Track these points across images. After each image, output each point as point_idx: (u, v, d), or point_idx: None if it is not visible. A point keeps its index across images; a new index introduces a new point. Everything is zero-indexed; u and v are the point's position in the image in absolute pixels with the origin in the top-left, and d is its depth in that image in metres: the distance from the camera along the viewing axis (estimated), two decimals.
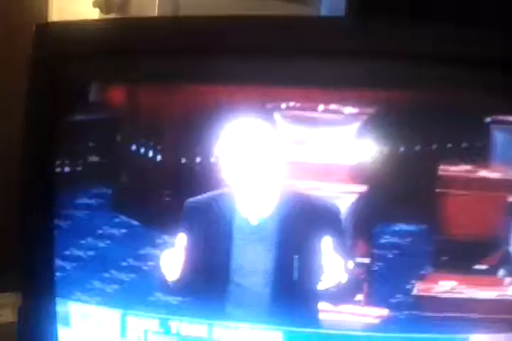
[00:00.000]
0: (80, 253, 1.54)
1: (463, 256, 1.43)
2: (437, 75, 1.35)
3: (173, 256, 1.41)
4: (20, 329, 1.60)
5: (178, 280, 1.43)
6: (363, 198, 1.42)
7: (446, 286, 1.44)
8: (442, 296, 1.44)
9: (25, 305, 1.56)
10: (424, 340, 1.44)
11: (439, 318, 1.44)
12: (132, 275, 1.51)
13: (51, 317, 1.55)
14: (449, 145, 1.39)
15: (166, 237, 1.48)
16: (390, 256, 1.43)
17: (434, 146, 1.39)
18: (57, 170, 1.53)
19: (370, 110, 1.39)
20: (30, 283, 1.54)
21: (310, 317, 1.45)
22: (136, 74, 1.44)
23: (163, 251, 1.45)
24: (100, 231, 1.52)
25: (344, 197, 1.43)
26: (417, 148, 1.40)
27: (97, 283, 1.54)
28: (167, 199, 1.46)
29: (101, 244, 1.52)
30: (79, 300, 1.55)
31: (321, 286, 1.39)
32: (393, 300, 1.44)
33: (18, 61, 1.79)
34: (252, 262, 1.43)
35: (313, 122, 1.41)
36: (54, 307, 1.55)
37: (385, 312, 1.45)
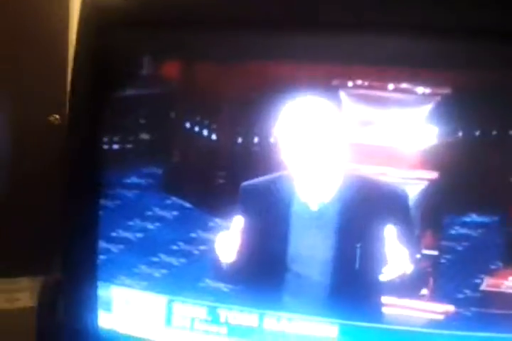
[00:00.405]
0: (127, 235, 1.45)
1: None
2: None
3: (228, 239, 1.32)
4: (40, 314, 1.52)
5: (231, 266, 1.34)
6: (432, 185, 1.31)
7: None
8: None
9: (65, 287, 1.48)
10: (490, 339, 1.33)
11: (508, 316, 1.33)
12: (182, 260, 1.42)
13: (92, 301, 1.47)
14: None
15: (219, 221, 1.38)
16: (460, 248, 1.32)
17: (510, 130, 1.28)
18: (106, 147, 1.44)
19: (445, 91, 1.28)
20: (71, 265, 1.46)
21: (370, 311, 1.35)
22: (193, 49, 1.35)
23: (218, 235, 1.36)
24: (150, 213, 1.43)
25: (412, 184, 1.32)
26: (494, 132, 1.29)
27: (143, 267, 1.45)
28: (221, 181, 1.37)
29: (150, 226, 1.44)
30: (123, 284, 1.46)
31: (384, 277, 1.29)
32: (460, 296, 1.34)
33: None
34: (311, 250, 1.33)
35: (381, 102, 1.30)
36: (95, 291, 1.47)
37: (450, 308, 1.34)
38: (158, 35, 1.36)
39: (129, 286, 1.46)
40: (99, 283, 1.47)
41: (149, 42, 1.37)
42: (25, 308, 1.62)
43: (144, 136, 1.42)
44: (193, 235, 1.41)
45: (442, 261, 1.34)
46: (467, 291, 1.33)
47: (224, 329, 1.42)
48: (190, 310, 1.44)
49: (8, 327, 1.64)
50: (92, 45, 1.37)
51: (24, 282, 1.79)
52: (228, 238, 1.33)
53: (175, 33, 1.34)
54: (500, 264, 1.33)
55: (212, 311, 1.42)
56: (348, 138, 1.32)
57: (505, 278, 1.33)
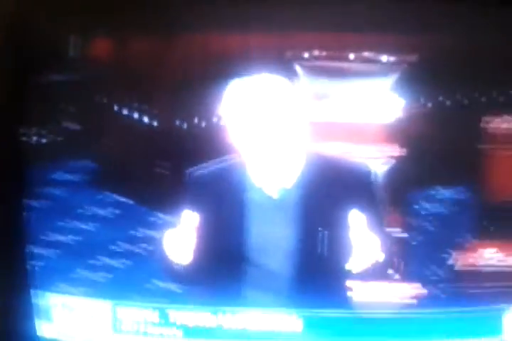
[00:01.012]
0: (62, 237, 1.28)
1: (508, 222, 1.22)
2: (483, 15, 1.12)
3: (178, 235, 1.16)
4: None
5: (183, 263, 1.18)
6: (397, 160, 1.19)
7: (489, 256, 1.24)
8: (484, 268, 1.24)
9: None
10: (462, 313, 1.24)
11: (480, 289, 1.24)
12: (125, 261, 1.25)
13: (29, 310, 1.30)
14: (495, 93, 1.17)
15: (163, 216, 1.22)
16: (427, 224, 1.21)
17: (478, 95, 1.16)
18: (29, 139, 1.24)
19: (410, 58, 1.15)
20: (2, 273, 1.27)
21: (336, 299, 1.23)
22: (127, 22, 1.15)
23: (165, 231, 1.19)
24: (85, 212, 1.25)
25: (377, 160, 1.19)
26: (462, 100, 1.17)
27: (83, 272, 1.28)
28: (164, 171, 1.20)
29: (86, 227, 1.26)
30: (62, 291, 1.29)
31: (353, 265, 1.16)
32: (430, 275, 1.23)
33: None
34: (273, 239, 1.19)
35: (340, 73, 1.16)
36: (32, 300, 1.29)
37: (421, 288, 1.24)
38: (85, 10, 1.16)
39: (69, 293, 1.29)
40: (36, 291, 1.29)
41: (75, 18, 1.17)
42: None
43: (73, 125, 1.23)
44: (136, 233, 1.24)
45: (410, 240, 1.22)
46: (437, 269, 1.23)
47: (179, 332, 1.27)
48: (140, 313, 1.28)
49: None
50: (11, 23, 1.16)
51: None
52: (178, 233, 1.16)
53: (103, 6, 1.15)
54: (470, 239, 1.23)
55: (165, 313, 1.27)
56: (306, 115, 1.17)
57: (476, 252, 1.24)
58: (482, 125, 1.18)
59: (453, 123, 1.18)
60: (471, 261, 1.24)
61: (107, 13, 1.16)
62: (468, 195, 1.21)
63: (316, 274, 1.21)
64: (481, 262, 1.24)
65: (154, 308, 1.27)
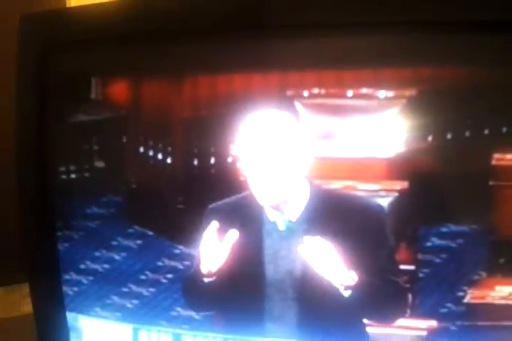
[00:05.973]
0: (96, 266, 1.14)
1: None
2: (487, 47, 0.90)
3: (199, 264, 1.00)
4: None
5: (203, 291, 1.02)
6: (404, 196, 0.98)
7: (503, 292, 1.00)
8: (499, 303, 1.00)
9: (36, 322, 1.16)
10: None
11: (495, 327, 1.00)
12: (152, 289, 1.10)
13: (64, 334, 1.15)
14: (504, 129, 0.94)
15: (183, 248, 1.06)
16: (438, 260, 0.99)
17: (487, 131, 0.94)
18: (61, 177, 1.12)
19: (409, 92, 0.95)
20: (40, 299, 1.14)
21: (349, 333, 1.02)
22: (141, 65, 1.03)
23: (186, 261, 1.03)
24: (114, 243, 1.11)
25: (382, 196, 0.99)
26: (467, 134, 0.96)
27: (114, 298, 1.14)
28: (180, 206, 1.04)
29: (116, 257, 1.12)
30: (93, 315, 1.14)
31: (362, 298, 0.96)
32: (443, 310, 1.00)
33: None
34: (283, 272, 1.00)
35: (341, 110, 0.97)
36: (66, 323, 1.15)
37: (434, 323, 1.01)
38: (103, 53, 1.04)
39: (100, 317, 1.14)
40: (70, 315, 1.16)
41: (94, 61, 1.05)
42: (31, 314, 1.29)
43: (99, 164, 1.10)
44: (160, 263, 1.08)
45: (421, 275, 1.00)
46: (450, 305, 1.01)
47: None
48: (164, 339, 1.11)
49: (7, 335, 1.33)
50: (34, 69, 1.04)
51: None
52: (200, 262, 1.00)
53: (119, 49, 1.02)
54: (483, 275, 0.99)
55: (180, 339, 1.10)
56: (311, 152, 0.98)
57: (491, 288, 1.00)
58: (492, 162, 0.95)
59: (460, 159, 0.97)
60: (485, 297, 1.00)
61: (124, 56, 1.02)
62: (481, 232, 0.98)
63: (325, 306, 1.01)
64: (496, 299, 1.00)
65: (173, 334, 1.11)
